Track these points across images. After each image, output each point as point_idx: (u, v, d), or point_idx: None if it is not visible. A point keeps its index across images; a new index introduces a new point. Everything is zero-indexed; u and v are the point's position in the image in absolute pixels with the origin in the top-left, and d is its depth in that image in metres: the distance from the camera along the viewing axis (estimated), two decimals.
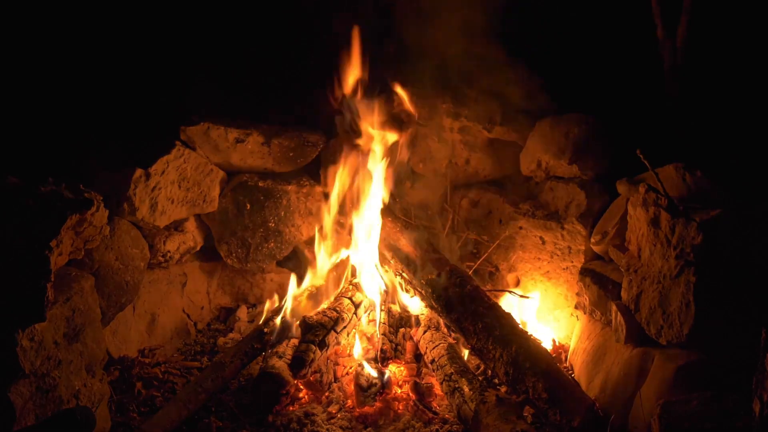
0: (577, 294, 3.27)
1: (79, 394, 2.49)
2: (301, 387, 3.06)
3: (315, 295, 3.46)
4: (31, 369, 2.24)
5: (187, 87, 3.60)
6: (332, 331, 3.10)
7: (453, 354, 3.02)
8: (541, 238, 3.61)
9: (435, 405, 2.98)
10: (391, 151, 3.61)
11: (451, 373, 2.88)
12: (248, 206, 3.81)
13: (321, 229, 3.71)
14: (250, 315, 3.98)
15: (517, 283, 3.77)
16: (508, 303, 3.57)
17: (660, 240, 2.51)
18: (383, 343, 3.13)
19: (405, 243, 3.43)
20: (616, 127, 3.39)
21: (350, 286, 3.45)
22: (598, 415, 2.49)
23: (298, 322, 3.16)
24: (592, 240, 3.23)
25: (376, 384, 2.95)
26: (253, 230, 3.84)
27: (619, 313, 2.76)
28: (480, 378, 2.95)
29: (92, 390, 2.58)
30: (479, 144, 3.88)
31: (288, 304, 3.32)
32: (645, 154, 2.53)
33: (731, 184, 2.54)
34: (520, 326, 2.88)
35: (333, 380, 3.13)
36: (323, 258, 3.65)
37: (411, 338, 3.32)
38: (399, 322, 3.37)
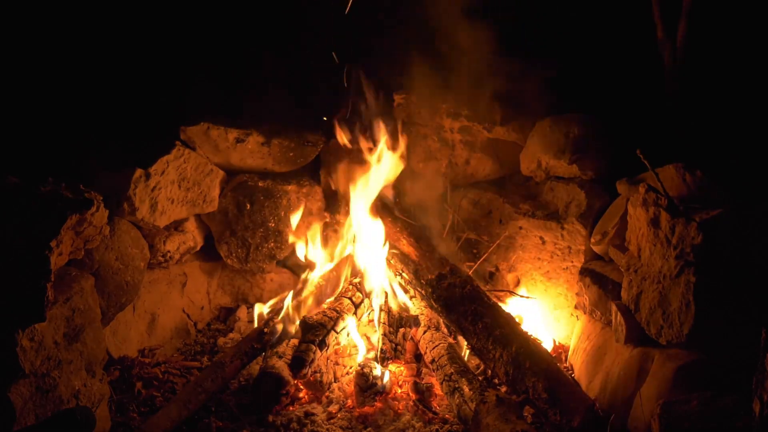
0: (577, 294, 3.27)
1: (79, 394, 2.49)
2: (301, 387, 3.06)
3: (315, 295, 3.46)
4: (31, 369, 2.24)
5: (187, 87, 3.60)
6: (332, 331, 3.10)
7: (453, 354, 3.02)
8: (541, 238, 3.61)
9: (435, 405, 2.98)
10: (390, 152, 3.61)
11: (451, 373, 2.88)
12: (248, 206, 3.81)
13: (321, 228, 3.71)
14: (250, 315, 3.98)
15: (517, 283, 3.77)
16: (507, 303, 3.58)
17: (660, 240, 2.51)
18: (383, 343, 3.13)
19: (405, 243, 3.43)
20: (616, 127, 3.39)
21: (350, 286, 3.45)
22: (598, 415, 2.49)
23: (298, 322, 3.16)
24: (592, 240, 3.23)
25: (376, 384, 2.95)
26: (253, 230, 3.84)
27: (619, 313, 2.76)
28: (480, 378, 2.95)
29: (92, 390, 2.58)
30: (479, 144, 3.88)
31: (288, 304, 3.32)
32: (645, 154, 2.53)
33: (731, 184, 2.54)
34: (520, 326, 2.88)
35: (333, 380, 3.13)
36: (324, 258, 3.66)
37: (411, 338, 3.32)
38: (399, 322, 3.37)
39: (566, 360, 3.33)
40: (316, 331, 3.04)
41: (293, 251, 3.91)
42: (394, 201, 3.79)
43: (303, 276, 3.60)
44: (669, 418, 2.14)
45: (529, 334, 2.87)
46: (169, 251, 3.46)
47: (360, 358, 3.16)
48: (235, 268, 3.93)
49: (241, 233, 3.82)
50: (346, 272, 3.60)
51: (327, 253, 3.69)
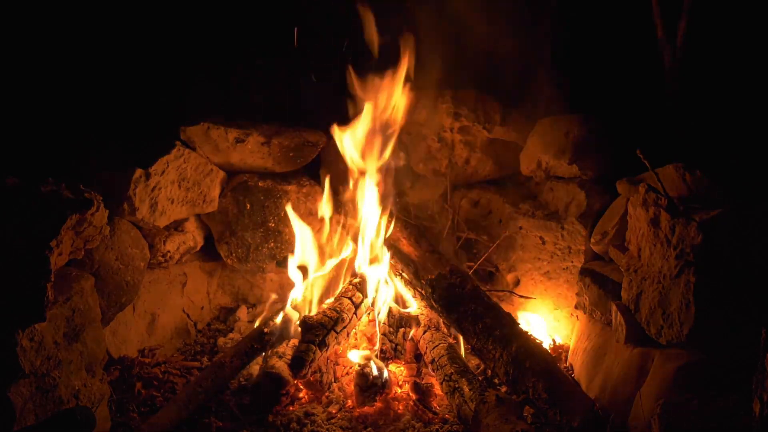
0: (577, 294, 3.27)
1: (79, 394, 2.49)
2: (301, 387, 3.06)
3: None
4: (31, 369, 2.24)
5: (187, 87, 3.60)
6: (332, 331, 3.10)
7: (453, 354, 3.02)
8: (541, 238, 3.61)
9: (435, 405, 2.98)
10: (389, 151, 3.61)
11: (451, 373, 2.88)
12: (248, 206, 3.81)
13: (322, 228, 3.70)
14: (250, 315, 3.98)
15: (517, 283, 3.77)
16: (508, 303, 3.58)
17: (660, 240, 2.51)
18: (383, 343, 3.13)
19: (405, 243, 3.43)
20: (616, 127, 3.39)
21: (350, 286, 3.45)
22: (598, 415, 2.49)
23: (298, 322, 3.16)
24: (592, 240, 3.23)
25: (376, 384, 2.95)
26: (253, 230, 3.84)
27: (619, 313, 2.76)
28: (480, 378, 2.95)
29: (92, 390, 2.58)
30: (479, 144, 3.88)
31: (288, 304, 3.32)
32: (645, 154, 2.53)
33: (731, 184, 2.54)
34: (520, 326, 2.88)
35: (333, 380, 3.13)
36: (324, 258, 3.65)
37: (411, 338, 3.32)
38: (399, 322, 3.37)
39: (566, 360, 3.34)
40: (316, 331, 3.04)
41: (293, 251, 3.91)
42: (394, 201, 3.79)
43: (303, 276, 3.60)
44: (669, 418, 2.14)
45: (529, 334, 2.88)
46: (169, 251, 3.46)
47: (360, 358, 3.15)
48: (235, 268, 3.93)
49: (241, 233, 3.82)
50: (346, 272, 3.60)
51: (328, 253, 3.69)
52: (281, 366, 2.94)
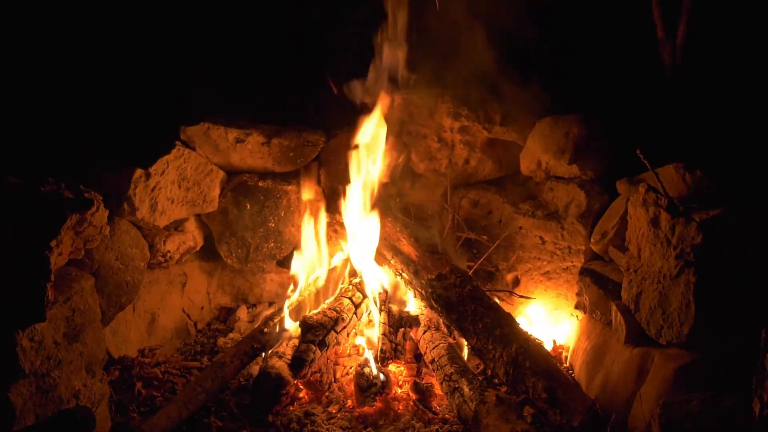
0: (577, 294, 3.27)
1: (79, 394, 2.49)
2: (301, 387, 3.06)
3: (315, 295, 3.46)
4: (31, 369, 2.24)
5: (187, 87, 3.60)
6: (332, 331, 3.10)
7: (453, 354, 3.02)
8: (541, 238, 3.61)
9: (435, 405, 2.98)
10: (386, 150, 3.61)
11: (451, 373, 2.88)
12: (248, 206, 3.81)
13: (321, 229, 3.71)
14: (250, 315, 3.98)
15: (517, 283, 3.77)
16: (508, 303, 3.58)
17: (660, 240, 2.51)
18: (383, 343, 3.13)
19: (405, 243, 3.43)
20: (616, 127, 3.39)
21: (350, 286, 3.45)
22: (598, 415, 2.48)
23: (298, 322, 3.16)
24: (592, 240, 3.23)
25: (376, 384, 2.95)
26: (253, 230, 3.84)
27: (619, 313, 2.76)
28: (480, 378, 2.95)
29: (92, 390, 2.58)
30: (479, 144, 3.88)
31: (288, 305, 3.32)
32: (645, 154, 2.53)
33: (731, 184, 2.54)
34: (520, 326, 2.88)
35: (333, 380, 3.13)
36: (324, 258, 3.65)
37: (411, 338, 3.32)
38: (399, 322, 3.37)
39: (566, 360, 3.33)
40: (316, 331, 3.04)
41: (293, 251, 3.91)
42: (394, 201, 3.79)
43: (303, 276, 3.60)
44: (669, 418, 2.14)
45: (529, 334, 2.87)
46: (169, 251, 3.46)
47: (360, 358, 3.15)
48: (235, 268, 3.93)
49: (241, 233, 3.82)
50: (346, 272, 3.60)
51: (328, 253, 3.69)
52: (281, 366, 2.93)
